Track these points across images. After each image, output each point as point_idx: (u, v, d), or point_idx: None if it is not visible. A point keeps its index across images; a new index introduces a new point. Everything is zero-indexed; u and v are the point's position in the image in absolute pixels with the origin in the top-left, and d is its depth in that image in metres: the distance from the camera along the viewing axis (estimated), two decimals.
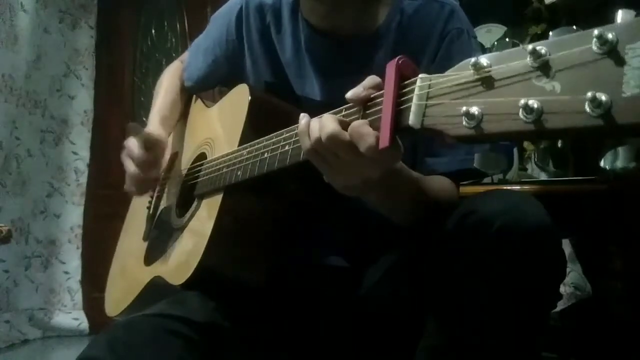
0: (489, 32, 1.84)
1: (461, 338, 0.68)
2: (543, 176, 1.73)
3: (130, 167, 1.01)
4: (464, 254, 0.67)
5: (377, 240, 0.89)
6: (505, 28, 1.87)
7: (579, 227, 1.41)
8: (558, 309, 1.43)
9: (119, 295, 1.13)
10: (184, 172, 1.05)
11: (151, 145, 1.01)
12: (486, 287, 0.65)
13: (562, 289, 1.24)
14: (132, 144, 1.00)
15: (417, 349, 0.73)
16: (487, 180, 1.43)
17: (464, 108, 0.49)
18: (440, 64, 0.87)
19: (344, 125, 0.63)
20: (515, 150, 1.61)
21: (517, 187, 1.40)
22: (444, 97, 0.53)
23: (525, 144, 1.74)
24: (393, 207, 0.78)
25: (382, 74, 0.63)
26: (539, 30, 1.96)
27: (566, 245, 1.63)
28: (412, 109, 0.55)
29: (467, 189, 0.90)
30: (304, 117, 0.67)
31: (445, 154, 0.86)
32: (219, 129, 1.02)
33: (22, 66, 2.84)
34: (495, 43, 1.75)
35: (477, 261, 0.66)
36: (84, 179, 3.23)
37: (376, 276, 0.87)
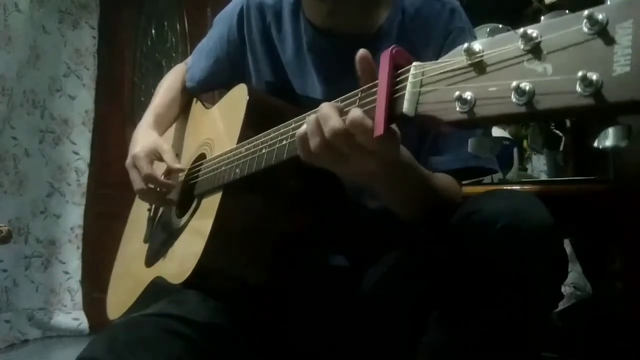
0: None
1: (463, 337, 0.68)
2: (543, 176, 1.74)
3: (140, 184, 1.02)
4: (467, 253, 0.67)
5: (378, 239, 0.89)
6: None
7: (579, 227, 1.41)
8: (558, 309, 1.43)
9: (121, 298, 1.13)
10: (184, 173, 1.05)
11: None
12: (488, 286, 0.66)
13: (562, 289, 1.24)
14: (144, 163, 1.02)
15: (418, 348, 0.73)
16: (487, 180, 1.42)
17: (457, 93, 0.49)
18: None
19: (341, 112, 0.62)
20: (515, 150, 1.61)
21: (517, 187, 1.40)
22: (438, 83, 0.53)
23: (525, 144, 1.74)
24: (403, 200, 0.76)
25: None
26: None
27: (566, 245, 1.62)
28: (406, 96, 0.55)
29: (468, 189, 0.89)
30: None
31: (448, 152, 0.86)
32: (218, 129, 1.01)
33: (14, 66, 2.82)
34: None
35: (480, 260, 0.66)
36: (84, 179, 3.22)
37: (377, 276, 0.87)
